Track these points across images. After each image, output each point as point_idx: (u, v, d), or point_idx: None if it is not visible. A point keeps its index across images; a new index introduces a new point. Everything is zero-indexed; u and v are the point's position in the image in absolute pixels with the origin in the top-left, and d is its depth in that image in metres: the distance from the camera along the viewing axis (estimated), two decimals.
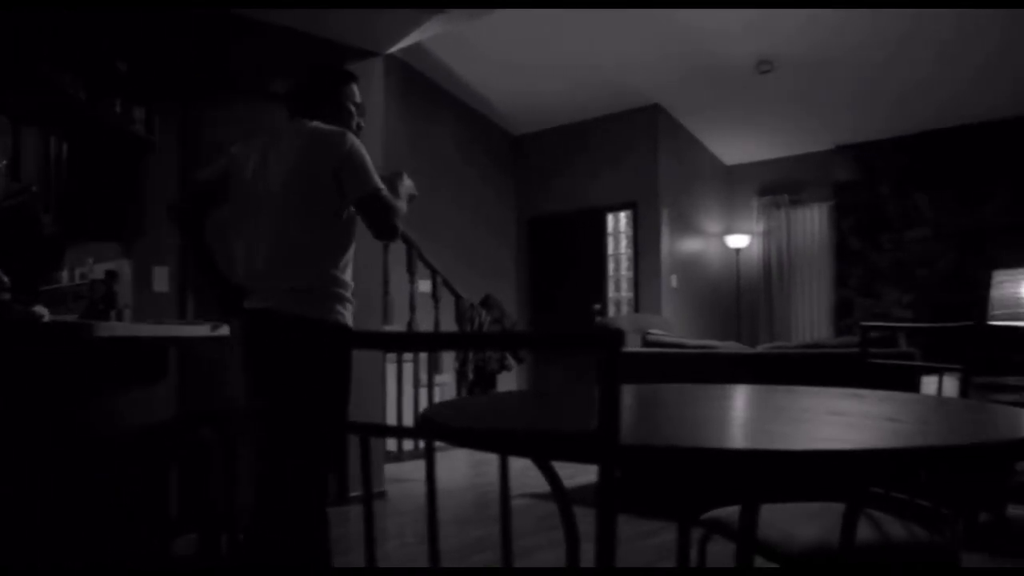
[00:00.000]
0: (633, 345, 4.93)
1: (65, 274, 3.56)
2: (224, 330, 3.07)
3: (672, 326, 6.54)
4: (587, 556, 3.25)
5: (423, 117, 7.84)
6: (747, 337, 8.21)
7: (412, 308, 5.66)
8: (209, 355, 3.47)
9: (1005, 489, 3.74)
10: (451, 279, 6.00)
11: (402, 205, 2.43)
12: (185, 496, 3.12)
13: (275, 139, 2.47)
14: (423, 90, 7.79)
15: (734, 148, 8.24)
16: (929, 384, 3.90)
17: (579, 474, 4.98)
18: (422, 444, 3.73)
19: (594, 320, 7.84)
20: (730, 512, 1.85)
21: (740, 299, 8.30)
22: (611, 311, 8.11)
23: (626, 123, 7.88)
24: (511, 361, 7.02)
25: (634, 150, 7.82)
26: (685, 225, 7.96)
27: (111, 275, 3.25)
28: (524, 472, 4.97)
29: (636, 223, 7.82)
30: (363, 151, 2.36)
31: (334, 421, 2.45)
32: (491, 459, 5.64)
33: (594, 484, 3.47)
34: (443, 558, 3.30)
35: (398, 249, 5.59)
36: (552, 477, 1.15)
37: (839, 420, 1.27)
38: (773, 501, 1.78)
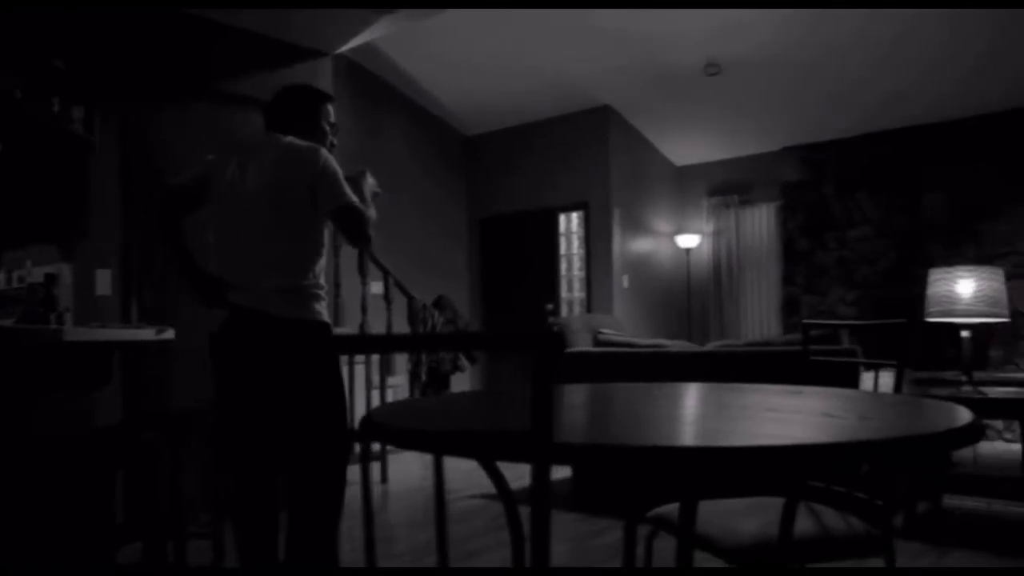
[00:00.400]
0: (585, 345, 4.96)
1: (2, 277, 3.47)
2: (169, 334, 3.02)
3: (624, 326, 6.59)
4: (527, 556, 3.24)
5: (375, 117, 7.79)
6: (698, 336, 8.32)
7: (364, 310, 5.62)
8: (154, 359, 3.40)
9: (942, 481, 3.86)
10: (403, 280, 5.97)
11: (372, 213, 2.57)
12: (131, 502, 3.06)
13: (252, 150, 2.57)
14: (375, 90, 7.74)
15: (684, 149, 8.34)
16: (869, 379, 4.01)
17: (528, 475, 5.02)
18: (376, 447, 3.73)
19: (547, 320, 7.87)
20: (675, 509, 1.87)
21: (691, 298, 8.41)
22: (564, 311, 8.16)
23: (577, 124, 7.93)
24: (464, 362, 7.01)
25: (585, 151, 7.87)
26: (636, 225, 8.04)
27: (50, 278, 3.17)
28: (476, 472, 4.95)
29: (588, 223, 7.88)
30: (336, 166, 2.49)
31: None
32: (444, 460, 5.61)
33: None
34: (395, 561, 3.30)
35: (349, 251, 5.54)
36: (496, 477, 1.15)
37: (777, 416, 1.30)
38: (716, 497, 1.81)
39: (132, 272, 3.70)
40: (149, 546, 2.82)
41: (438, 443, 0.84)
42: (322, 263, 2.57)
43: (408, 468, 5.35)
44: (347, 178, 2.51)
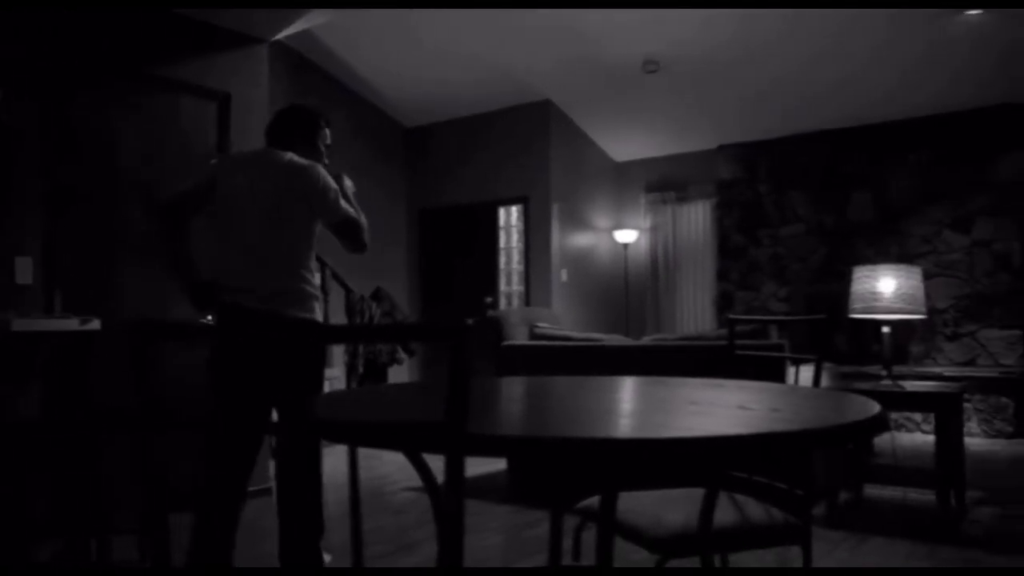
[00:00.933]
0: (522, 338, 4.99)
1: None
2: (95, 324, 2.94)
3: (562, 319, 6.65)
4: (469, 548, 3.27)
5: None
6: (635, 329, 8.44)
7: None
8: (78, 351, 3.31)
9: (862, 471, 4.00)
10: (341, 271, 5.91)
11: (363, 220, 2.85)
12: (54, 498, 2.98)
13: (255, 164, 2.80)
14: (314, 79, 7.64)
15: (624, 145, 8.44)
16: (804, 372, 4.12)
17: (471, 466, 5.03)
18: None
19: (486, 313, 7.88)
20: (596, 501, 1.91)
21: (628, 293, 8.52)
22: (503, 304, 8.19)
23: (518, 118, 7.95)
24: (402, 354, 6.98)
25: (526, 145, 7.90)
26: (575, 220, 8.11)
27: None
28: (408, 465, 4.96)
29: (527, 217, 7.91)
30: (331, 182, 2.77)
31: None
32: (381, 452, 5.60)
33: (481, 476, 3.54)
34: (332, 552, 3.28)
35: None
36: (422, 469, 1.16)
37: (696, 409, 1.34)
38: (637, 488, 1.84)
39: (56, 260, 3.59)
40: (69, 543, 2.75)
41: (352, 434, 0.84)
42: (315, 265, 2.81)
43: (344, 459, 5.32)
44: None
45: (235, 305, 2.66)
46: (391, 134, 8.57)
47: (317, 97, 7.72)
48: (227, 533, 2.58)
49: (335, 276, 5.81)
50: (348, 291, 6.01)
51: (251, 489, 4.15)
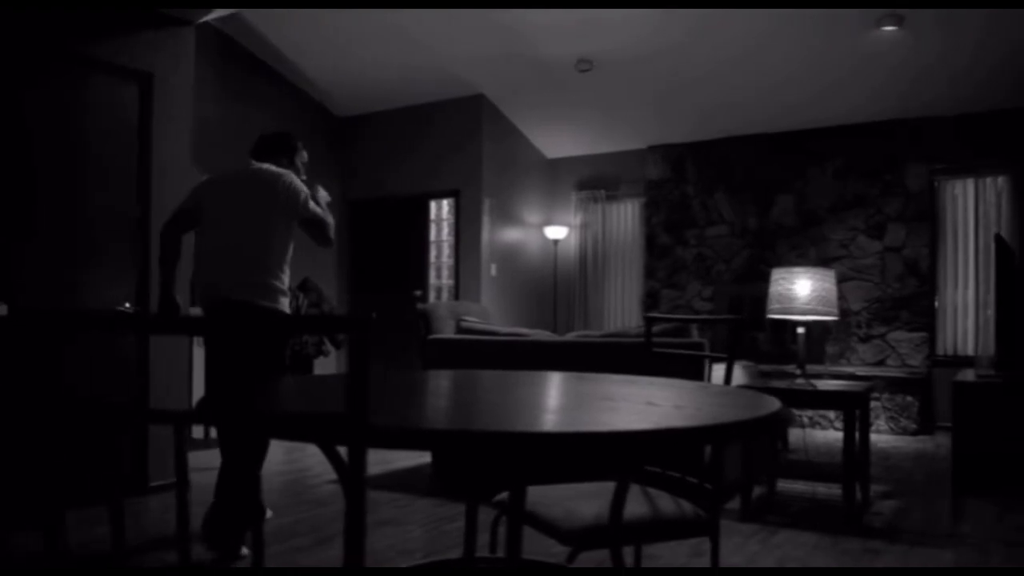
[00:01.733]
0: (450, 332, 5.01)
1: None
2: (2, 310, 2.85)
3: (490, 314, 6.68)
4: (386, 538, 3.28)
5: (243, 92, 7.53)
6: (563, 325, 8.53)
7: None
8: None
9: (775, 467, 4.14)
10: None
11: (331, 219, 3.38)
12: None
13: (239, 179, 3.29)
14: (244, 64, 7.49)
15: (556, 142, 8.51)
16: (719, 370, 4.24)
17: (397, 459, 5.03)
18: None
19: (415, 306, 7.86)
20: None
21: (557, 289, 8.60)
22: (432, 297, 8.17)
23: (451, 111, 7.94)
24: (329, 346, 6.92)
25: (459, 138, 7.90)
26: (506, 215, 8.15)
27: None
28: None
29: (459, 211, 7.92)
30: (301, 186, 3.30)
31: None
32: (305, 445, 5.54)
33: (407, 469, 3.55)
34: (252, 544, 3.22)
35: None
36: (335, 461, 1.16)
37: (608, 404, 1.38)
38: (565, 482, 1.89)
39: None
40: None
41: (254, 424, 0.85)
42: (288, 265, 3.28)
43: (269, 453, 5.25)
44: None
45: (223, 300, 3.15)
46: (323, 123, 8.46)
47: (249, 83, 7.58)
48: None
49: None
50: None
51: (160, 483, 4.09)
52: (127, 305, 4.00)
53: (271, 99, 7.83)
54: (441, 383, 1.79)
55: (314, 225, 3.33)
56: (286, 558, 3.05)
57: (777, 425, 1.13)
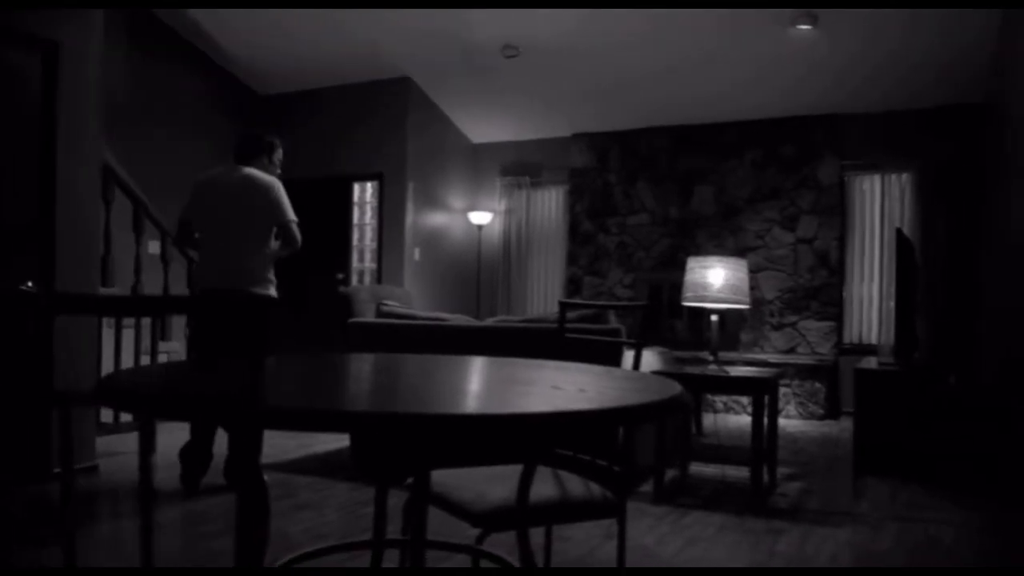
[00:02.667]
0: (372, 316, 4.98)
1: None
2: None
3: (413, 298, 6.66)
4: (302, 522, 3.26)
5: (161, 68, 7.30)
6: (486, 310, 8.56)
7: (138, 270, 5.30)
8: None
9: (688, 450, 4.26)
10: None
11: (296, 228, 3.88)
12: None
13: (226, 181, 3.81)
14: (163, 38, 7.26)
15: (481, 127, 8.51)
16: (643, 356, 4.32)
17: (317, 443, 4.98)
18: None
19: (337, 289, 7.77)
20: (432, 475, 1.96)
21: (481, 274, 8.63)
22: (355, 281, 8.10)
23: (377, 93, 7.85)
24: None
25: (383, 121, 7.82)
26: (430, 199, 8.12)
27: None
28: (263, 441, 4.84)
29: (382, 194, 7.85)
30: (283, 192, 3.83)
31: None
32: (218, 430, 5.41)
33: (327, 452, 3.53)
34: (164, 531, 3.18)
35: (123, 206, 5.19)
36: (245, 443, 1.16)
37: (513, 388, 1.40)
38: (453, 465, 1.91)
39: None
40: None
41: (147, 405, 0.84)
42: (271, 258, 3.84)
43: (181, 436, 5.14)
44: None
45: (211, 289, 3.74)
46: (245, 101, 8.26)
47: (169, 59, 7.35)
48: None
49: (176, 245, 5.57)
50: (191, 261, 5.78)
51: (78, 467, 3.97)
52: (29, 284, 3.85)
53: (191, 75, 7.61)
54: (351, 366, 1.79)
55: (289, 229, 3.84)
56: (193, 544, 3.00)
57: (677, 409, 1.17)
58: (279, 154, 4.10)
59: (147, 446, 0.87)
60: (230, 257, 3.74)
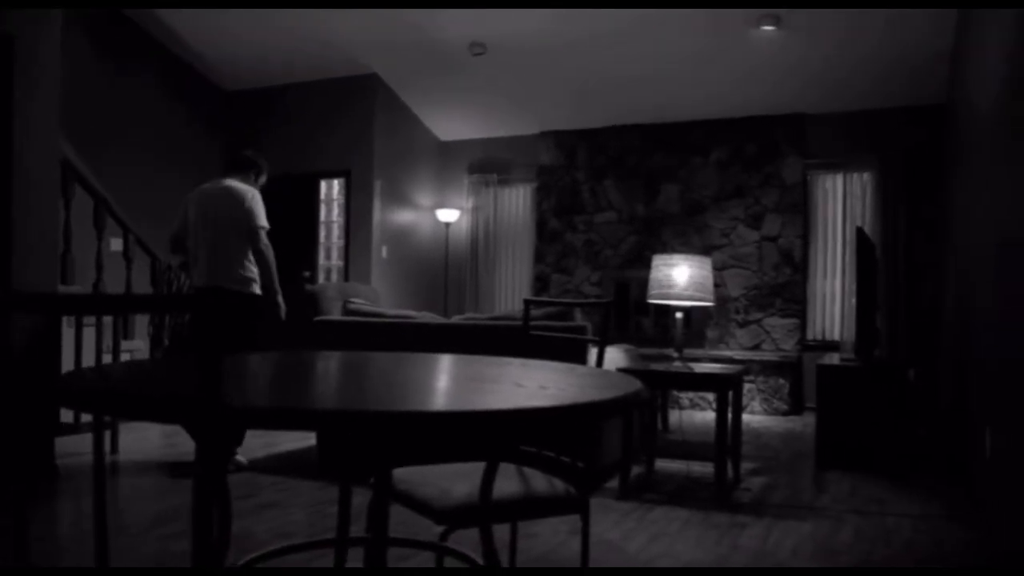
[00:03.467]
0: (339, 313, 4.95)
1: None
2: None
3: (380, 296, 6.63)
4: (267, 521, 3.23)
5: (124, 62, 7.19)
6: (454, 308, 8.56)
7: (99, 267, 5.21)
8: None
9: (654, 447, 4.30)
10: (148, 239, 5.60)
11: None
12: None
13: (212, 194, 4.37)
14: (124, 31, 7.14)
15: (449, 124, 8.49)
16: (607, 352, 4.35)
17: (283, 442, 4.94)
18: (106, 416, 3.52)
19: (304, 287, 7.72)
20: (394, 474, 1.96)
21: (448, 271, 8.62)
22: (321, 278, 8.05)
23: (344, 89, 7.80)
24: None
25: (351, 117, 7.78)
26: (398, 197, 8.09)
27: None
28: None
29: (349, 191, 7.81)
30: (259, 201, 4.33)
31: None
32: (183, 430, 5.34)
33: (293, 451, 3.51)
34: (125, 532, 3.14)
35: (84, 203, 5.10)
36: (202, 443, 1.15)
37: (474, 385, 1.41)
38: (440, 463, 1.91)
39: None
40: None
41: (98, 403, 0.83)
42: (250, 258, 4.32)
43: (146, 436, 5.08)
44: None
45: (200, 287, 4.29)
46: (209, 97, 8.17)
47: (129, 52, 7.24)
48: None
49: (140, 242, 5.49)
50: (154, 259, 5.70)
51: (36, 467, 3.90)
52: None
53: (154, 70, 7.51)
54: (315, 364, 1.78)
55: (259, 243, 4.31)
56: (155, 545, 2.97)
57: (636, 406, 1.19)
58: (263, 179, 4.63)
59: (100, 445, 0.86)
60: (214, 258, 4.26)
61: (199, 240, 4.32)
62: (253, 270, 4.28)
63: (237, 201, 4.26)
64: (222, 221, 4.26)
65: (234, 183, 4.35)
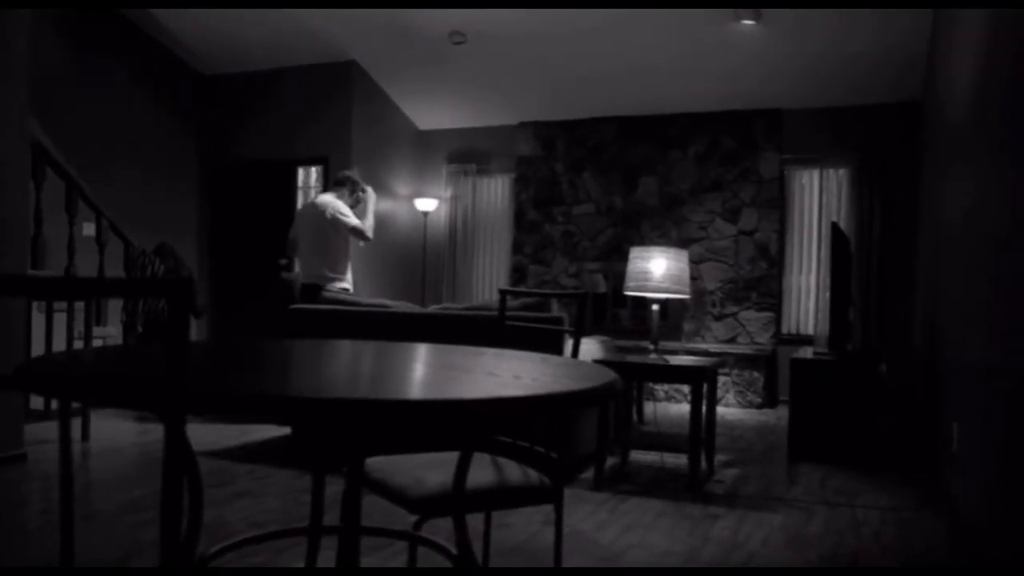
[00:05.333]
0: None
1: None
2: None
3: (358, 284, 6.61)
4: (241, 510, 3.22)
5: (97, 44, 7.08)
6: (431, 297, 8.54)
7: (71, 252, 5.14)
8: None
9: (629, 438, 4.32)
10: (122, 223, 5.53)
11: (370, 221, 5.58)
12: None
13: (309, 205, 5.66)
14: (98, 14, 7.03)
15: (428, 113, 8.45)
16: (583, 344, 4.36)
17: (257, 431, 4.92)
18: (75, 403, 3.49)
19: (279, 275, 7.67)
20: (368, 462, 1.96)
21: (426, 261, 8.59)
22: (297, 267, 7.98)
23: (321, 76, 7.74)
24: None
25: (328, 104, 7.72)
26: (375, 185, 8.01)
27: None
28: (194, 428, 4.81)
29: (327, 179, 7.75)
30: (341, 208, 5.43)
31: None
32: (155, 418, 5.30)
33: (266, 440, 3.49)
34: (95, 519, 3.12)
35: (56, 187, 5.03)
36: (170, 429, 1.14)
37: (448, 374, 1.40)
38: (418, 452, 1.90)
39: None
40: None
41: (61, 388, 0.82)
42: (345, 260, 5.54)
43: (119, 424, 5.03)
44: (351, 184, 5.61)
45: (305, 284, 5.42)
46: (185, 81, 8.07)
47: (100, 32, 7.13)
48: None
49: (113, 227, 5.43)
50: (128, 244, 5.63)
51: (4, 455, 3.86)
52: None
53: (128, 52, 7.40)
54: (288, 352, 1.77)
55: (354, 233, 5.45)
56: (128, 533, 2.94)
57: (608, 396, 1.19)
58: (362, 193, 5.63)
59: (67, 432, 0.85)
60: (309, 260, 5.51)
61: (301, 246, 5.60)
62: (342, 269, 5.50)
63: (323, 213, 5.39)
64: (314, 230, 5.45)
65: (324, 197, 5.53)
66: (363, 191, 5.63)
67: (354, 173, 5.71)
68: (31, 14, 4.09)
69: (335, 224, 5.36)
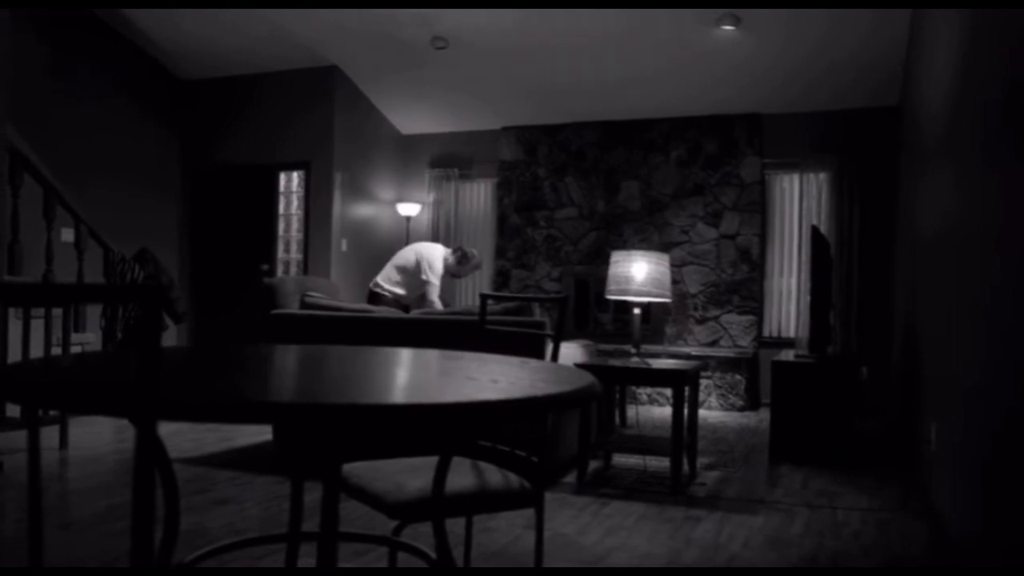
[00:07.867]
0: (297, 307, 4.90)
1: None
2: None
3: (339, 289, 6.57)
4: (222, 517, 3.19)
5: (73, 47, 7.03)
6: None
7: (49, 258, 5.10)
8: None
9: (610, 443, 4.33)
10: (102, 229, 5.49)
11: (436, 283, 6.08)
12: None
13: (413, 246, 6.33)
14: (75, 19, 6.98)
15: (410, 118, 8.45)
16: (565, 348, 4.36)
17: (239, 437, 4.88)
18: (54, 412, 3.45)
19: (261, 280, 7.63)
20: (348, 468, 1.95)
21: None
22: (280, 272, 7.96)
23: (303, 81, 7.72)
24: (168, 320, 6.61)
25: (310, 109, 7.70)
26: (358, 190, 8.03)
27: None
28: (175, 435, 4.77)
29: (309, 184, 7.73)
30: (429, 263, 6.06)
31: None
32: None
33: (248, 446, 3.46)
34: (71, 528, 3.08)
35: (34, 192, 4.99)
36: (141, 433, 1.13)
37: (427, 378, 1.40)
38: (398, 456, 1.90)
39: None
40: None
41: (29, 394, 0.81)
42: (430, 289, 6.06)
43: (98, 431, 4.98)
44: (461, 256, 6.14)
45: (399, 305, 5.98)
46: (164, 86, 8.02)
47: (80, 37, 7.08)
48: None
49: (92, 233, 5.38)
50: (107, 250, 5.59)
51: None
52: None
53: (107, 57, 7.35)
54: (268, 357, 1.76)
55: (423, 286, 6.02)
56: (104, 542, 2.92)
57: (587, 400, 1.19)
58: (467, 263, 6.15)
59: (35, 439, 0.84)
60: (388, 274, 6.20)
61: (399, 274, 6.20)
62: (433, 294, 6.05)
63: (417, 255, 6.11)
64: (409, 267, 6.12)
65: (427, 246, 6.27)
66: (474, 262, 6.22)
67: (468, 250, 6.24)
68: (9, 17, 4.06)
69: (418, 272, 6.05)
